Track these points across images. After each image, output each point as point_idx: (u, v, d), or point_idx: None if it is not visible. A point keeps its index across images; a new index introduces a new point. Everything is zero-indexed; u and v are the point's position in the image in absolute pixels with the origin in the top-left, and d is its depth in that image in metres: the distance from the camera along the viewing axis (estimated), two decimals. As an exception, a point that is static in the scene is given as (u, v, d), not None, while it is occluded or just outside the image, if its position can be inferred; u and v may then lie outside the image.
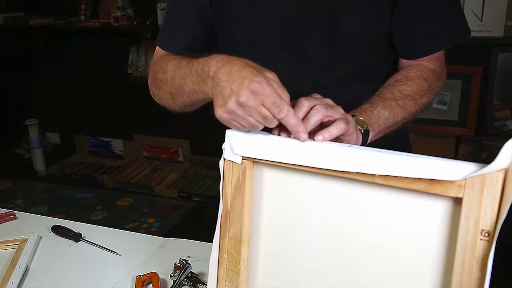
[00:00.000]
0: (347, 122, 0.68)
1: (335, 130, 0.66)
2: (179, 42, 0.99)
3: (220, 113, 0.67)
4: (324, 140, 0.65)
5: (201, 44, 1.02)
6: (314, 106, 0.67)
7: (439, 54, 0.95)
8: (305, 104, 0.67)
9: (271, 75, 0.66)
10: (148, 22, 3.00)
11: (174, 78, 0.84)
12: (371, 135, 0.79)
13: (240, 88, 0.64)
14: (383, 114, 0.82)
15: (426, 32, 0.92)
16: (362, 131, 0.76)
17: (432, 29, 0.92)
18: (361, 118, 0.78)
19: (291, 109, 0.64)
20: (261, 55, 0.98)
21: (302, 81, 0.96)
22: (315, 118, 0.66)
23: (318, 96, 0.71)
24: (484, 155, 2.40)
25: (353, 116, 0.77)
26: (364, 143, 0.76)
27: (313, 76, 0.95)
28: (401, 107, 0.86)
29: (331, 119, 0.68)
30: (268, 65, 0.97)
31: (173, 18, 1.06)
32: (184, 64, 0.80)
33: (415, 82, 0.90)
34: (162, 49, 1.01)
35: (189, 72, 0.76)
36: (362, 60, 0.94)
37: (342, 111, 0.70)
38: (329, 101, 0.70)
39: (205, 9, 0.98)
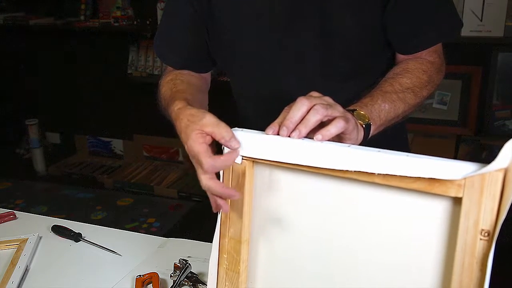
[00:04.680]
0: (346, 120, 0.67)
1: (334, 129, 0.66)
2: (174, 55, 1.05)
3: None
4: (323, 139, 0.65)
5: (199, 50, 1.03)
6: (313, 106, 0.67)
7: (437, 46, 0.95)
8: (304, 103, 0.67)
9: (204, 120, 0.71)
10: (148, 22, 3.00)
11: (163, 102, 0.95)
12: (372, 128, 0.78)
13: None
14: (384, 107, 0.81)
15: (421, 27, 0.92)
16: (364, 125, 0.76)
17: (427, 22, 0.92)
18: (362, 112, 0.77)
19: (210, 161, 0.69)
20: (253, 57, 0.98)
21: (296, 80, 0.96)
22: (315, 118, 0.66)
23: (317, 94, 0.70)
24: (484, 155, 2.40)
25: (353, 110, 0.76)
26: (366, 138, 0.76)
27: (307, 75, 0.95)
28: (402, 99, 0.85)
29: (330, 118, 0.67)
30: (260, 66, 0.98)
31: (167, 26, 1.07)
32: (168, 98, 0.90)
33: (415, 75, 0.89)
34: (162, 61, 1.05)
35: (169, 111, 0.86)
36: (356, 57, 0.94)
37: (341, 109, 0.69)
38: (328, 99, 0.70)
39: (200, 15, 0.99)
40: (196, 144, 0.70)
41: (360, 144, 0.72)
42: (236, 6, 0.96)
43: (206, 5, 0.97)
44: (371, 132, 0.78)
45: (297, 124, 0.66)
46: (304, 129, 0.65)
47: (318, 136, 0.65)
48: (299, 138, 0.66)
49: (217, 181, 0.70)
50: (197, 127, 0.71)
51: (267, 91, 1.00)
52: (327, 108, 0.67)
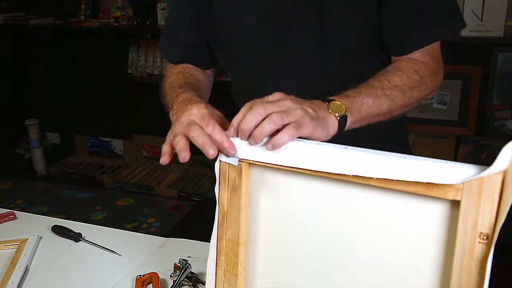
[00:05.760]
0: (297, 127, 0.66)
1: (283, 138, 0.65)
2: (177, 53, 1.06)
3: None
4: (274, 149, 0.65)
5: (200, 48, 1.04)
6: (269, 114, 0.66)
7: (431, 48, 0.92)
8: (260, 112, 0.66)
9: (193, 111, 0.74)
10: (148, 22, 3.00)
11: (166, 96, 0.96)
12: (350, 121, 0.76)
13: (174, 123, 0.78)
14: (366, 101, 0.79)
15: (413, 26, 0.90)
16: (338, 117, 0.74)
17: (419, 22, 0.90)
18: (338, 103, 0.75)
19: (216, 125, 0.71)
20: (252, 56, 0.99)
21: (295, 80, 0.96)
22: (269, 127, 0.66)
23: (277, 97, 0.70)
24: (484, 155, 2.40)
25: (330, 100, 0.75)
26: (341, 130, 0.74)
27: (306, 74, 0.95)
28: (387, 96, 0.83)
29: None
30: (259, 65, 0.98)
31: (170, 25, 1.10)
32: (171, 91, 0.92)
33: (405, 73, 0.87)
34: (165, 59, 1.09)
35: (170, 102, 0.89)
36: (355, 57, 0.94)
37: (300, 112, 0.68)
38: (288, 102, 0.68)
39: (201, 14, 0.99)
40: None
41: (336, 138, 0.72)
42: (235, 5, 0.96)
43: (206, 4, 0.98)
44: (347, 124, 0.76)
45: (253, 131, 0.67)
46: (259, 137, 0.66)
47: (269, 146, 0.65)
48: (255, 145, 0.67)
49: (205, 131, 0.72)
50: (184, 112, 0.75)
51: (266, 91, 1.00)
52: (282, 117, 0.66)
